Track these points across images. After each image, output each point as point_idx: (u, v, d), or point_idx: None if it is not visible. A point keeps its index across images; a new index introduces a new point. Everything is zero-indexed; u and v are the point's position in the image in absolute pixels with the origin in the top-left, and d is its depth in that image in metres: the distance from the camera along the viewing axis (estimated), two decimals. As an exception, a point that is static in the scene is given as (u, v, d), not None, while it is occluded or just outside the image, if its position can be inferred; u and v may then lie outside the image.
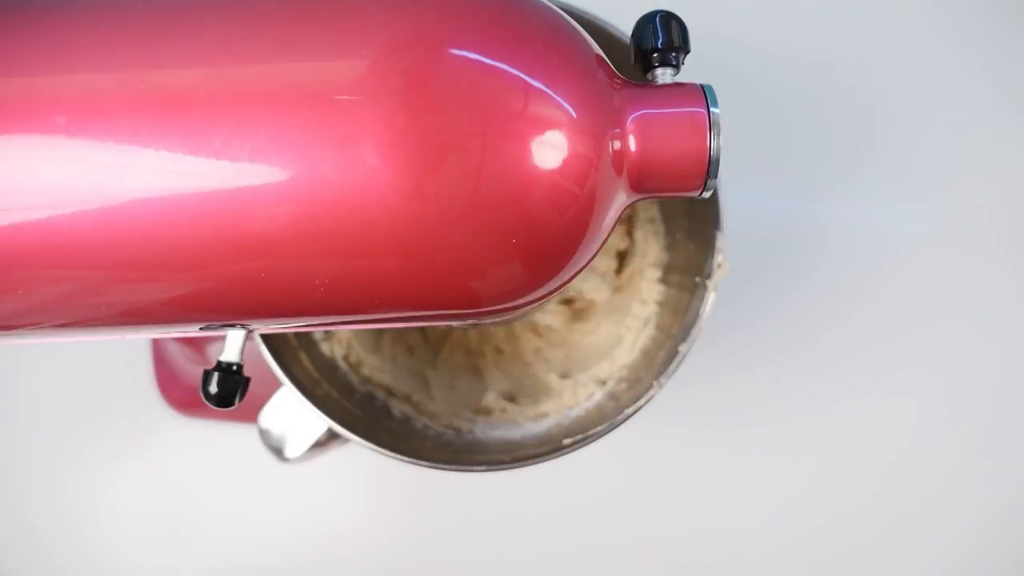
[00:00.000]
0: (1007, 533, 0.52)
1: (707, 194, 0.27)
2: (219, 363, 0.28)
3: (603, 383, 0.48)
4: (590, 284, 0.48)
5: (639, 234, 0.49)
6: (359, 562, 0.52)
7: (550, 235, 0.24)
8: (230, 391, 0.28)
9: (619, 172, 0.25)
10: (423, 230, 0.23)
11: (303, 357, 0.45)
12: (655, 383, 0.41)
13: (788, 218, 0.54)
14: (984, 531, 0.52)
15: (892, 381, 0.53)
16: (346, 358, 0.48)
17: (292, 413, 0.41)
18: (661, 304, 0.48)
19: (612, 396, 0.47)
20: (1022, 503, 0.52)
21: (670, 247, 0.48)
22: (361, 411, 0.46)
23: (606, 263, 0.49)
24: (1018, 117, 0.55)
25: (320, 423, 0.41)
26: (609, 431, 0.41)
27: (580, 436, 0.42)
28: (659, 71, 0.27)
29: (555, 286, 0.26)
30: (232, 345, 0.28)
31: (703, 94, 0.26)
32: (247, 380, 0.28)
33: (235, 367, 0.28)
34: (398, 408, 0.48)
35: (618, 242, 0.49)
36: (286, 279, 0.24)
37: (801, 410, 0.53)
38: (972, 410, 0.53)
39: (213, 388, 0.27)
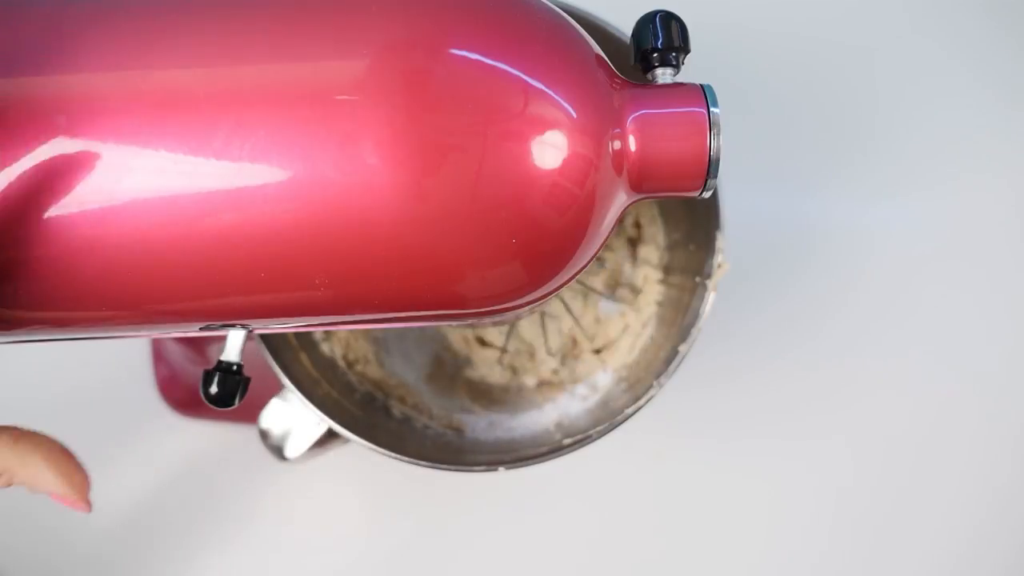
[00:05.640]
0: (1008, 532, 0.52)
1: (707, 194, 0.27)
2: (219, 363, 0.28)
3: (596, 387, 0.48)
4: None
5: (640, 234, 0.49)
6: (359, 562, 0.52)
7: (550, 235, 0.24)
8: (230, 391, 0.28)
9: (619, 172, 0.25)
10: (423, 230, 0.23)
11: (303, 357, 0.45)
12: (655, 383, 0.41)
13: (789, 218, 0.54)
14: (985, 531, 0.52)
15: (892, 377, 0.53)
16: (345, 357, 0.48)
17: (292, 413, 0.41)
18: (661, 304, 0.48)
19: (612, 396, 0.47)
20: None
21: (670, 247, 0.48)
22: (361, 411, 0.46)
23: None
24: (1013, 115, 0.55)
25: (320, 423, 0.41)
26: (609, 431, 0.41)
27: (580, 436, 0.42)
28: (659, 71, 0.27)
29: (555, 286, 0.26)
30: (232, 345, 0.28)
31: (703, 94, 0.26)
32: (247, 380, 0.28)
33: (235, 367, 0.28)
34: (398, 408, 0.48)
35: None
36: (286, 279, 0.24)
37: (802, 409, 0.53)
38: (973, 407, 0.53)
39: (213, 388, 0.27)
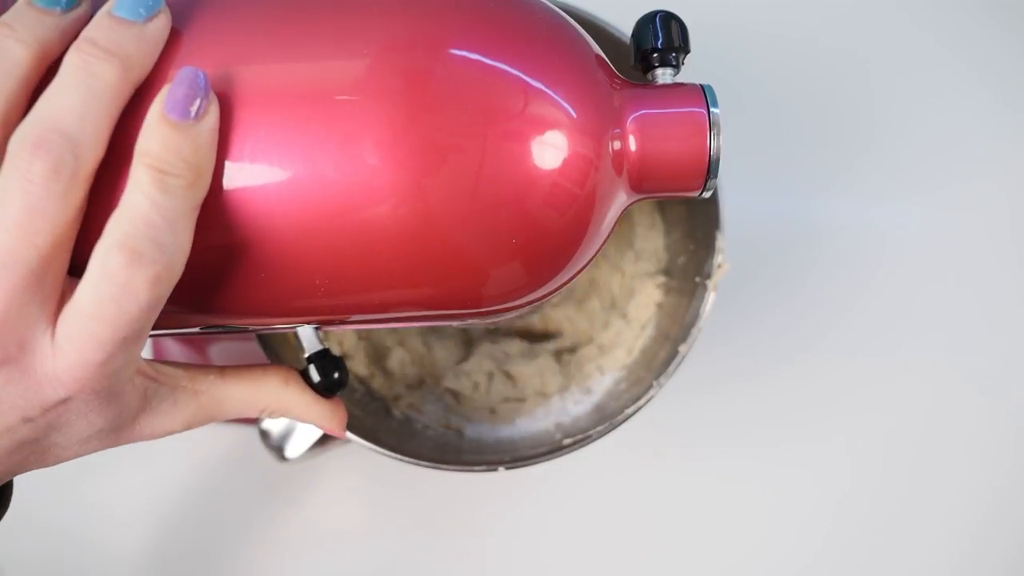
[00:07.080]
0: (1008, 540, 0.52)
1: (707, 194, 0.27)
2: (310, 356, 0.29)
3: (596, 388, 0.48)
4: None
5: (639, 235, 0.49)
6: (359, 562, 0.52)
7: (550, 235, 0.24)
8: (337, 377, 0.29)
9: (619, 172, 0.25)
10: (423, 230, 0.23)
11: (303, 357, 0.45)
12: (655, 383, 0.41)
13: (789, 218, 0.54)
14: (985, 538, 0.52)
15: (895, 381, 0.53)
16: (343, 357, 0.48)
17: (292, 413, 0.41)
18: (661, 305, 0.48)
19: (612, 396, 0.47)
20: None
21: (670, 247, 0.48)
22: (361, 411, 0.46)
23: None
24: (1013, 114, 0.55)
25: (320, 423, 0.40)
26: (609, 431, 0.41)
27: (580, 436, 0.42)
28: (659, 71, 0.27)
29: (555, 286, 0.26)
30: (308, 338, 0.30)
31: (703, 94, 0.26)
32: (341, 359, 0.30)
33: (323, 352, 0.29)
34: (398, 408, 0.48)
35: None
36: (286, 279, 0.24)
37: (802, 410, 0.53)
38: (977, 410, 0.53)
39: (316, 378, 0.29)
